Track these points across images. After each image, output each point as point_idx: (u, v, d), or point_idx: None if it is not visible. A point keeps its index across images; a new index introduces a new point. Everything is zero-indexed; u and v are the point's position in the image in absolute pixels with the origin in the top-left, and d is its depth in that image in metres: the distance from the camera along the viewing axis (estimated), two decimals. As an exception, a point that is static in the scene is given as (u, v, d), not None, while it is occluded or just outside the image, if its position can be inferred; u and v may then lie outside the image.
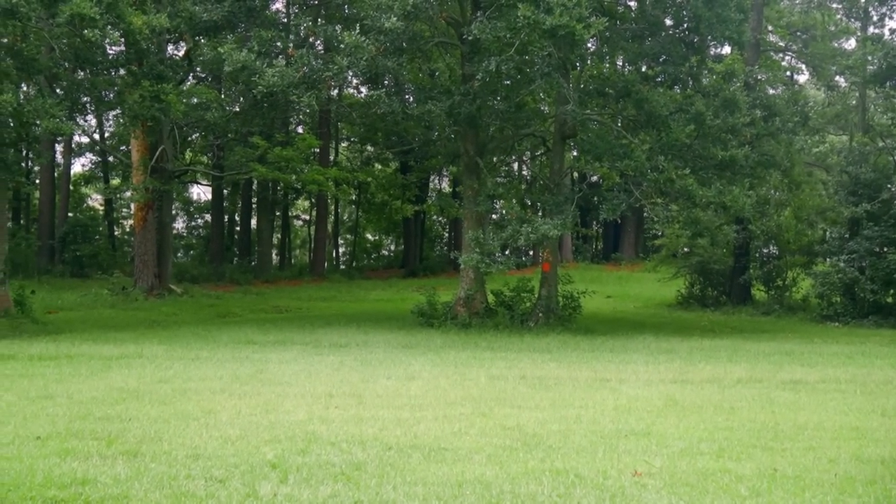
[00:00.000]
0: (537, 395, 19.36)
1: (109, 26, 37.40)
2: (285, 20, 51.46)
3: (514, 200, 43.68)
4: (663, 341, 35.07)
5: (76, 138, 63.66)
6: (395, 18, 36.35)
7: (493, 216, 43.47)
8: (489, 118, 41.50)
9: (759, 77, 52.00)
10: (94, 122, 61.21)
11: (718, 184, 37.22)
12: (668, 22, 42.93)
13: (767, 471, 12.08)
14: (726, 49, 47.56)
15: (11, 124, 37.90)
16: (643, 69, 43.97)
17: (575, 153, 53.25)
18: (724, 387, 21.17)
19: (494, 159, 49.47)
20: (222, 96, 51.13)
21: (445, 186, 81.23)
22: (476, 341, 33.72)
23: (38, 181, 64.01)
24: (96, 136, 65.35)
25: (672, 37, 41.80)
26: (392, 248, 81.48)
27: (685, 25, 42.25)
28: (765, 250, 60.51)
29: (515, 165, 72.25)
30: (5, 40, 37.91)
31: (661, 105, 37.53)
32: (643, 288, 63.80)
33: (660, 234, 70.67)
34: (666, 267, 61.28)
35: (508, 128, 44.89)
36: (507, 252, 43.08)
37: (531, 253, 73.51)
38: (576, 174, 69.59)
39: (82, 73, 46.49)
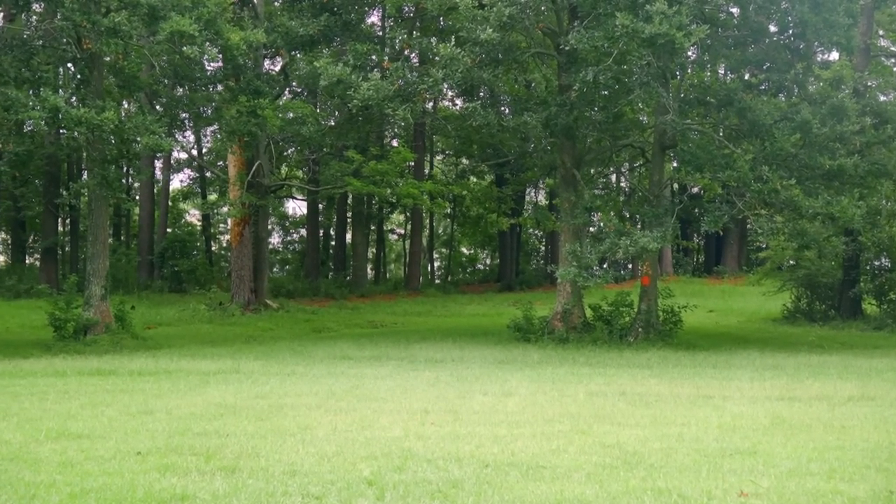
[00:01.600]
0: (638, 412, 19.10)
1: (208, 43, 37.92)
2: (380, 34, 51.72)
3: (612, 213, 43.29)
4: (769, 357, 33.99)
5: (175, 154, 64.56)
6: (490, 30, 36.25)
7: (591, 229, 43.19)
8: (586, 129, 41.20)
9: (869, 83, 49.80)
10: (192, 138, 62.05)
11: (826, 194, 36.34)
12: (773, 28, 42.35)
13: (882, 493, 11.71)
14: (834, 55, 47.00)
15: (113, 141, 38.64)
16: (746, 77, 43.55)
17: (675, 164, 52.53)
18: (834, 405, 20.48)
19: (592, 171, 49.30)
20: (318, 111, 51.45)
21: (542, 199, 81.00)
22: (574, 357, 33.30)
23: (137, 197, 64.95)
24: (194, 152, 66.17)
25: (776, 43, 41.38)
26: (487, 261, 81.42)
27: (790, 31, 41.55)
28: (876, 262, 56.96)
29: (613, 177, 71.88)
30: (108, 59, 38.57)
31: (764, 114, 36.89)
32: (747, 302, 62.46)
33: (764, 246, 68.28)
34: (770, 280, 59.48)
35: (606, 139, 44.50)
36: (605, 265, 42.85)
37: (630, 266, 72.92)
38: (676, 185, 68.50)
39: (181, 90, 47.30)
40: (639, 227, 41.19)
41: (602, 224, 42.38)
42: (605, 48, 35.57)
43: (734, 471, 13.19)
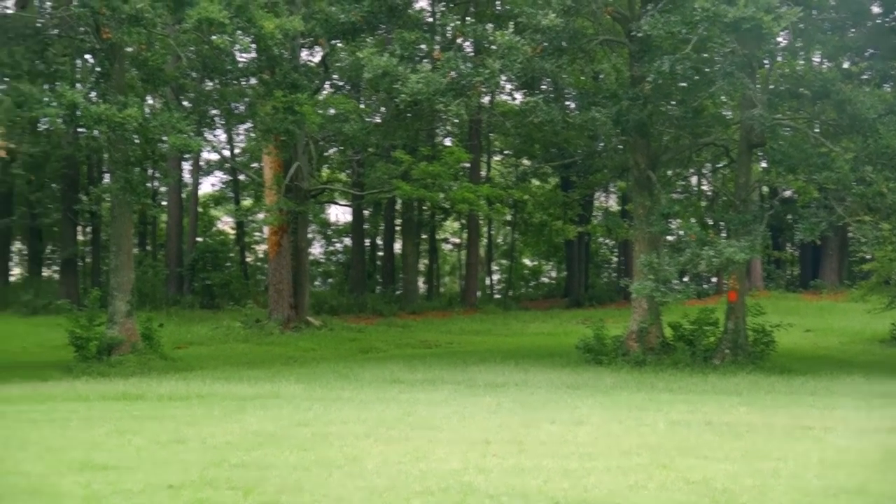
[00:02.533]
0: (726, 445, 18.64)
1: (239, 31, 38.06)
2: (430, 20, 51.73)
3: (692, 219, 42.84)
4: (876, 383, 32.96)
5: (204, 155, 64.90)
6: (553, 15, 36.14)
7: (669, 238, 42.66)
8: (662, 125, 41.18)
9: None
10: (223, 137, 62.39)
11: (941, 198, 35.08)
12: (876, 10, 41.53)
13: None
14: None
15: (136, 141, 38.91)
16: (845, 65, 42.99)
17: (764, 164, 51.84)
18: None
19: (669, 172, 48.70)
20: (362, 106, 51.63)
21: (613, 204, 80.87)
22: (652, 381, 32.96)
23: (164, 203, 65.33)
24: (226, 153, 66.45)
25: (880, 27, 40.75)
26: (553, 274, 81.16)
27: (897, 13, 40.51)
28: None
29: (694, 179, 71.45)
30: (130, 49, 38.74)
31: (867, 107, 35.78)
32: (849, 320, 60.57)
33: (869, 257, 64.07)
34: (877, 296, 55.27)
35: (685, 136, 44.27)
36: (685, 279, 42.58)
37: (714, 280, 72.53)
38: (765, 189, 67.83)
39: (210, 84, 47.48)
40: (724, 235, 40.86)
41: (682, 232, 41.84)
42: (682, 34, 35.41)
43: (840, 513, 12.47)
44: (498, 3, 46.17)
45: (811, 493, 14.13)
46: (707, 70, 37.90)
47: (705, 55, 37.28)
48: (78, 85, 40.14)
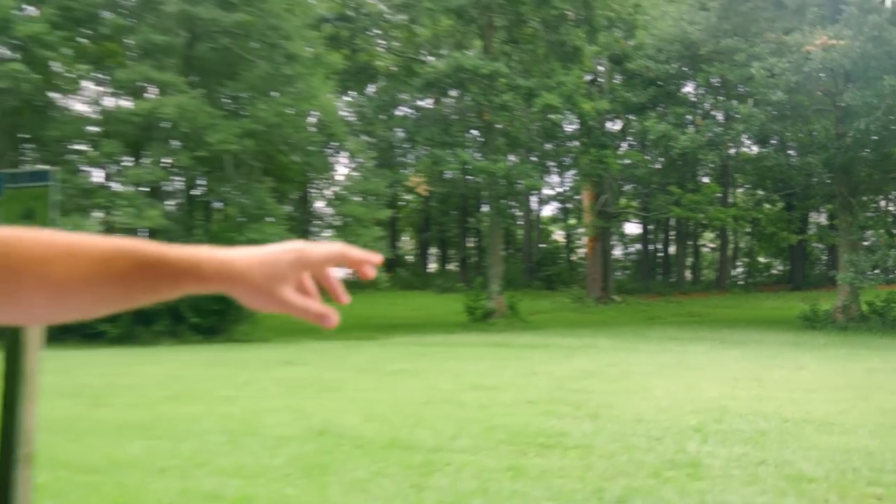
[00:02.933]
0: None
1: (568, 111, 38.72)
2: (694, 99, 51.19)
3: (882, 230, 41.66)
4: None
5: (545, 191, 65.07)
6: (780, 93, 35.40)
7: (865, 243, 41.42)
8: (860, 166, 39.74)
9: None
10: (556, 179, 62.58)
11: None
12: None
13: None
14: None
15: (503, 183, 39.90)
16: None
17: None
18: None
19: (864, 198, 46.73)
20: (647, 158, 51.37)
21: (823, 220, 78.02)
22: (853, 341, 30.97)
23: (520, 222, 65.99)
24: (559, 190, 66.82)
25: None
26: (780, 268, 78.67)
27: None
28: None
29: (883, 203, 68.85)
30: (499, 126, 39.82)
31: None
32: None
33: None
34: None
35: (877, 173, 42.38)
36: (876, 270, 40.93)
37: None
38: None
39: (549, 145, 47.90)
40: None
41: (874, 239, 40.83)
42: (875, 103, 34.17)
43: None
44: (741, 86, 45.23)
45: None
46: (894, 128, 36.42)
47: (892, 117, 35.86)
48: (468, 149, 41.16)
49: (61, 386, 15.80)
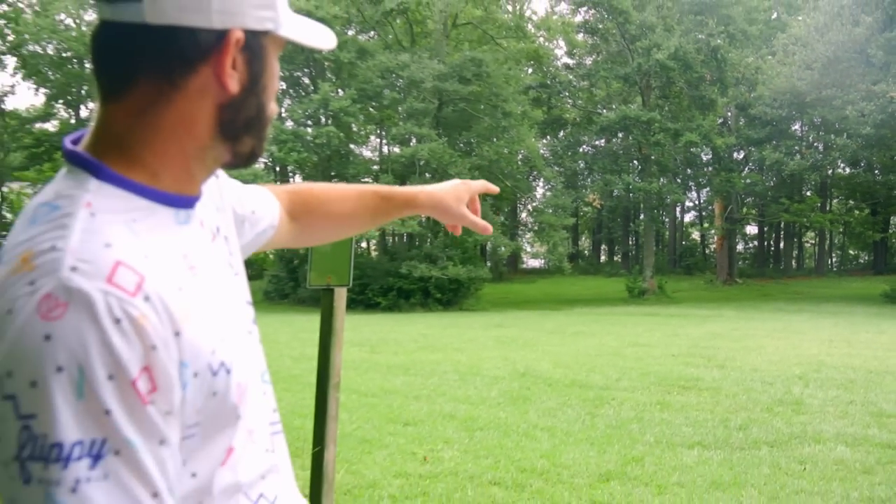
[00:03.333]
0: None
1: (704, 145, 37.93)
2: (799, 135, 48.34)
3: None
4: None
5: (686, 204, 62.94)
6: (869, 128, 33.69)
7: None
8: None
9: None
10: (694, 195, 60.28)
11: None
12: None
13: None
14: None
15: (655, 198, 39.04)
16: None
17: None
18: None
19: None
20: (763, 178, 48.84)
21: None
22: None
23: (667, 226, 63.98)
24: (696, 202, 64.42)
25: None
26: (866, 258, 72.68)
27: None
28: None
29: None
30: (653, 157, 38.87)
31: None
32: None
33: None
34: None
35: None
36: None
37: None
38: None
39: (689, 171, 46.54)
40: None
41: None
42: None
43: None
44: (838, 123, 42.46)
45: None
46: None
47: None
48: (630, 174, 40.45)
49: (352, 338, 16.64)
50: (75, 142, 1.01)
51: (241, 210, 1.29)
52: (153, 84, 0.96)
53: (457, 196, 1.63)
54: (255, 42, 1.00)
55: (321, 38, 1.11)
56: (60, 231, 0.89)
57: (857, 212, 46.63)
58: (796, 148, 42.38)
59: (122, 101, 0.97)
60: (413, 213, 1.62)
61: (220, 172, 1.21)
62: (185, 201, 1.02)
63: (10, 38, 41.71)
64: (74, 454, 0.81)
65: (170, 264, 0.95)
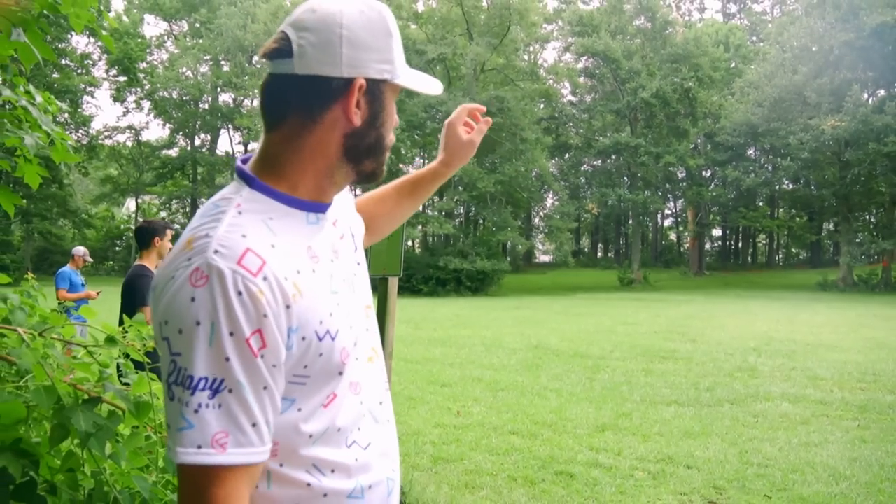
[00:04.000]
0: None
1: (680, 165, 36.64)
2: (754, 157, 47.43)
3: (866, 233, 36.81)
4: None
5: (666, 211, 61.58)
6: (807, 153, 33.15)
7: (857, 240, 36.74)
8: (854, 196, 34.69)
9: None
10: (672, 204, 59.14)
11: None
12: None
13: None
14: None
15: (641, 207, 37.90)
16: None
17: None
18: None
19: (857, 214, 39.72)
20: (726, 191, 47.95)
21: (831, 227, 69.09)
22: (848, 298, 27.08)
23: (649, 228, 62.64)
24: (674, 210, 62.93)
25: None
26: (805, 255, 71.11)
27: None
28: None
29: (867, 217, 60.85)
30: (639, 174, 38.04)
31: None
32: None
33: None
34: None
35: (864, 200, 36.55)
36: (863, 256, 36.47)
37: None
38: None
39: (668, 185, 45.56)
40: None
41: (862, 237, 35.32)
42: (863, 159, 31.30)
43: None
44: (783, 149, 41.63)
45: None
46: (874, 173, 32.84)
47: (873, 169, 32.43)
48: (621, 188, 39.90)
49: (400, 317, 16.55)
50: (244, 160, 1.09)
51: None
52: (299, 118, 1.02)
53: (458, 146, 1.52)
54: (376, 87, 1.04)
55: (430, 86, 1.13)
56: (214, 223, 0.97)
57: (798, 218, 46.21)
58: (751, 168, 41.91)
59: (277, 132, 1.04)
60: (443, 179, 1.58)
61: None
62: (317, 207, 1.07)
63: (147, 86, 43.37)
64: (200, 385, 0.90)
65: (292, 253, 1.00)
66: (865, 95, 34.16)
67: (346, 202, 1.22)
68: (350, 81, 1.01)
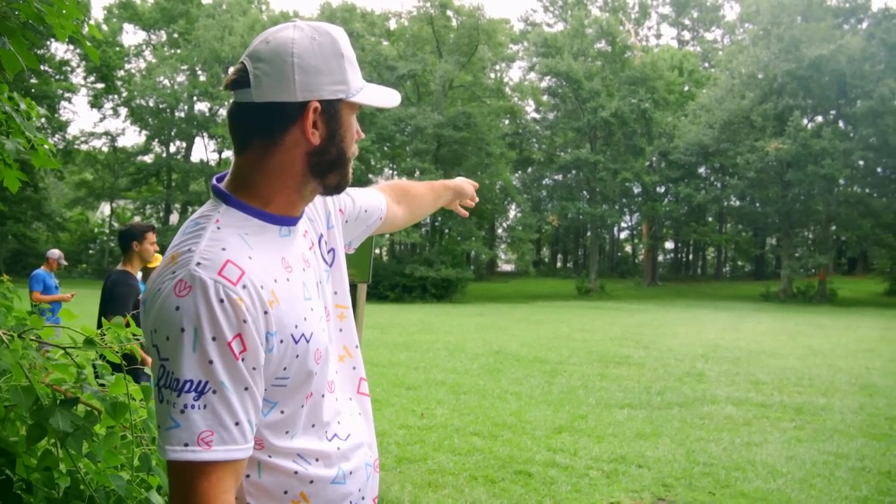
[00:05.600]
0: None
1: (636, 181, 37.10)
2: (704, 175, 48.20)
3: (805, 248, 37.65)
4: None
5: (623, 224, 62.25)
6: (752, 173, 33.86)
7: (796, 254, 37.33)
8: (794, 214, 35.03)
9: None
10: (628, 217, 59.88)
11: None
12: None
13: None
14: None
15: (599, 220, 38.06)
16: None
17: None
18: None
19: (797, 230, 40.26)
20: (678, 206, 48.65)
21: (774, 241, 70.23)
22: (788, 308, 27.25)
23: (607, 240, 63.04)
24: (630, 223, 63.56)
25: None
26: (750, 267, 72.22)
27: None
28: None
29: (806, 233, 61.98)
30: (598, 189, 38.06)
31: None
32: None
33: None
34: None
35: (804, 218, 37.06)
36: (802, 269, 37.02)
37: None
38: None
39: (625, 200, 45.94)
40: None
41: (801, 251, 36.04)
42: (803, 179, 32.10)
43: None
44: (731, 168, 42.33)
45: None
46: (812, 193, 33.76)
47: (812, 189, 33.33)
48: (581, 201, 39.83)
49: (367, 322, 16.41)
50: (220, 179, 1.12)
51: (354, 210, 1.38)
52: (262, 142, 1.06)
53: (461, 188, 1.78)
54: (332, 107, 1.07)
55: (386, 98, 1.17)
56: (196, 239, 1.01)
57: (743, 233, 47.10)
58: (702, 185, 42.66)
59: (245, 155, 1.08)
60: (447, 200, 1.76)
61: None
62: (288, 221, 1.11)
63: (125, 94, 42.87)
64: (186, 387, 0.93)
65: (268, 264, 1.04)
66: (805, 121, 34.88)
67: (318, 212, 1.25)
68: (304, 105, 1.04)
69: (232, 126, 1.08)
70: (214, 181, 1.12)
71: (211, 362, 0.94)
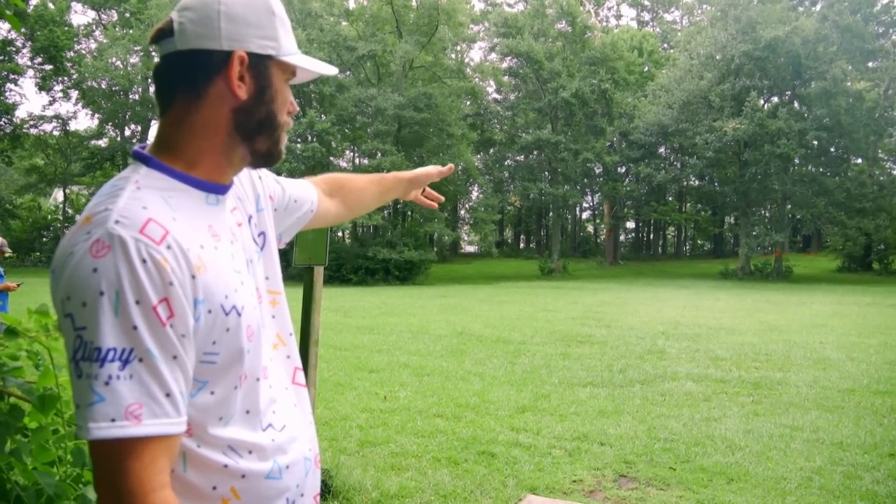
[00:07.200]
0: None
1: (597, 162, 37.20)
2: (664, 156, 48.87)
3: (762, 226, 38.47)
4: None
5: (584, 204, 62.81)
6: (711, 153, 34.39)
7: (753, 233, 38.32)
8: (751, 193, 35.72)
9: None
10: (590, 198, 60.51)
11: None
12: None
13: None
14: None
15: (561, 201, 38.14)
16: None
17: None
18: None
19: (754, 209, 41.41)
20: (639, 186, 49.29)
21: (732, 220, 71.58)
22: (746, 286, 28.03)
23: (569, 220, 63.73)
24: (591, 203, 64.19)
25: None
26: (709, 245, 73.42)
27: None
28: None
29: (763, 212, 63.54)
30: (560, 169, 38.29)
31: None
32: None
33: None
34: None
35: (760, 196, 38.05)
36: (759, 248, 38.06)
37: None
38: None
39: (586, 180, 46.28)
40: None
41: (758, 230, 36.73)
42: (760, 159, 32.63)
43: None
44: (690, 148, 43.07)
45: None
46: (769, 172, 34.48)
47: (769, 168, 34.08)
48: (543, 182, 40.01)
49: (330, 306, 16.37)
50: (143, 147, 1.05)
51: (284, 199, 1.29)
52: (185, 96, 1.00)
53: (418, 178, 1.65)
54: (260, 63, 1.02)
55: (323, 67, 1.12)
56: (113, 199, 0.93)
57: (703, 213, 47.93)
58: (662, 165, 42.96)
59: (168, 114, 1.02)
60: (400, 193, 1.65)
61: (265, 173, 1.25)
62: (215, 188, 1.04)
63: (75, 76, 41.48)
64: (109, 357, 0.84)
65: (194, 228, 0.96)
66: (762, 101, 35.49)
67: (246, 192, 1.17)
68: (229, 54, 1.00)
69: (157, 83, 1.03)
70: (136, 147, 1.05)
71: (135, 328, 0.85)
